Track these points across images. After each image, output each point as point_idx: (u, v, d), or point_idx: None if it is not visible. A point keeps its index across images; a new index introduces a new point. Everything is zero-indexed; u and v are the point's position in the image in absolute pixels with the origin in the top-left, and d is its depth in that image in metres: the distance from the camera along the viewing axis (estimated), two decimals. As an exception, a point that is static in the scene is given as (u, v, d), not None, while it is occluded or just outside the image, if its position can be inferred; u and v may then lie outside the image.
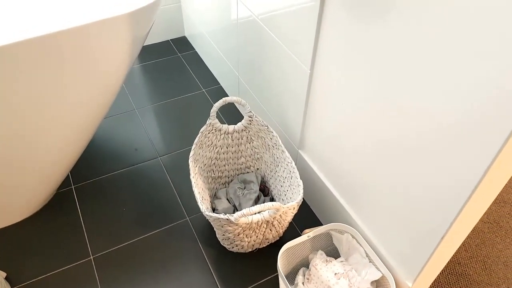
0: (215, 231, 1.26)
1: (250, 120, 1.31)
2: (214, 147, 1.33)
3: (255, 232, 1.14)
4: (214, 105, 1.25)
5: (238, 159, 1.41)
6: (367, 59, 0.89)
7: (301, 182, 1.15)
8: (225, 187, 1.41)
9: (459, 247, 1.04)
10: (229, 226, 1.08)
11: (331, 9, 0.94)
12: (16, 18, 1.38)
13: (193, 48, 2.09)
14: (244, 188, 1.37)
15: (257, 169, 1.43)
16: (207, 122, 1.27)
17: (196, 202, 1.23)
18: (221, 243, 1.26)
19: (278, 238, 1.26)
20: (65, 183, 1.44)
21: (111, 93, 1.22)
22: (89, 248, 1.27)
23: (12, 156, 1.10)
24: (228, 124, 1.34)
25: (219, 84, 1.89)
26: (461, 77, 0.70)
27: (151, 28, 1.21)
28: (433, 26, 0.71)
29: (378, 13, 0.82)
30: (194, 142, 1.25)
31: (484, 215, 1.39)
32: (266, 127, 1.29)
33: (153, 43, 2.08)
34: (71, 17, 1.40)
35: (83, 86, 1.09)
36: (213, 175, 1.38)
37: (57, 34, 0.93)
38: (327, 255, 1.16)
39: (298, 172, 1.19)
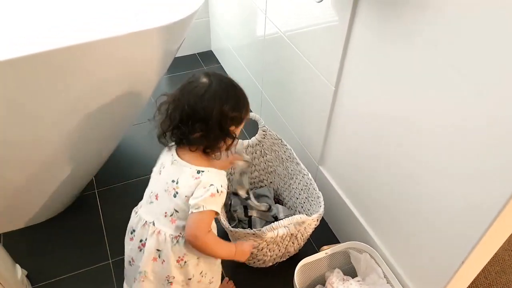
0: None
1: (264, 135, 1.33)
2: None
3: (279, 245, 1.15)
4: None
5: (251, 173, 1.42)
6: (393, 80, 0.91)
7: (320, 194, 1.16)
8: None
9: (479, 273, 1.02)
10: (254, 241, 1.08)
11: (359, 29, 0.96)
12: (50, 26, 1.43)
13: (218, 62, 2.13)
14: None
15: (270, 182, 1.44)
16: None
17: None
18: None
19: (297, 251, 1.26)
20: (89, 186, 1.47)
21: (140, 103, 1.25)
22: (109, 252, 1.30)
23: (39, 158, 1.14)
24: (248, 135, 1.36)
25: (242, 98, 1.91)
26: (487, 97, 0.71)
27: (183, 42, 1.25)
28: (458, 50, 0.73)
29: (405, 36, 0.83)
30: None
31: (505, 242, 1.36)
32: (280, 141, 1.31)
33: (180, 55, 2.13)
34: (108, 26, 1.45)
35: (115, 95, 1.12)
36: (227, 190, 1.39)
37: (91, 44, 0.96)
38: (344, 273, 1.16)
39: (316, 184, 1.20)
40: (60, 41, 0.93)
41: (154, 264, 0.90)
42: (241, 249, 0.96)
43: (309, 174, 1.23)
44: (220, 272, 1.04)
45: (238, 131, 0.92)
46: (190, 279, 0.93)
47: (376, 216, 1.13)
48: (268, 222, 1.29)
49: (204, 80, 0.87)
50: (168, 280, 0.92)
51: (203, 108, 0.84)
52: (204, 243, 0.86)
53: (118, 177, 1.52)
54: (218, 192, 0.86)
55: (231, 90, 0.89)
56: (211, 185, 0.86)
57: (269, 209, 1.34)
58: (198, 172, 0.87)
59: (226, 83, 0.90)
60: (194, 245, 0.87)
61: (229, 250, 0.94)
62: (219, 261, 1.01)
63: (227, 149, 0.92)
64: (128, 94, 1.17)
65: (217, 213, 0.87)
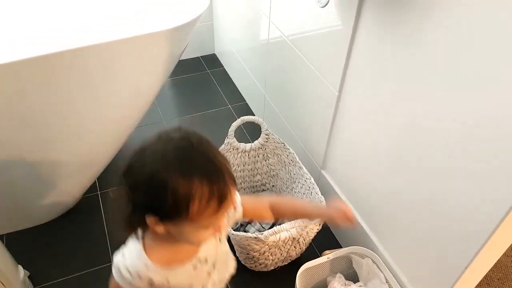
0: (234, 248, 1.27)
1: (267, 138, 1.33)
2: (231, 166, 1.35)
3: (280, 249, 1.15)
4: (232, 124, 1.27)
5: (254, 177, 1.42)
6: (397, 84, 0.91)
7: (323, 198, 1.16)
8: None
9: (481, 280, 1.02)
10: (256, 245, 1.08)
11: (363, 33, 0.96)
12: (50, 26, 1.44)
13: (221, 66, 2.14)
14: None
15: (273, 186, 1.44)
16: (225, 142, 1.29)
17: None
18: (242, 262, 1.26)
19: (299, 255, 1.26)
20: (92, 188, 1.48)
21: (144, 106, 1.26)
22: (110, 254, 1.30)
23: (44, 159, 1.15)
24: (251, 139, 1.37)
25: (245, 101, 1.92)
26: (493, 101, 0.71)
27: (187, 45, 1.25)
28: (463, 54, 0.73)
29: (409, 40, 0.83)
30: None
31: (508, 249, 1.36)
32: (283, 144, 1.31)
33: (184, 59, 2.14)
34: (108, 27, 1.46)
35: (119, 97, 1.12)
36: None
37: (96, 46, 0.97)
38: (346, 278, 1.16)
39: (318, 188, 1.20)
40: (64, 44, 0.93)
41: None
42: None
43: (312, 178, 1.23)
44: None
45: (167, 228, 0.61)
46: None
47: (378, 221, 1.13)
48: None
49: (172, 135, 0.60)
50: None
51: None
52: None
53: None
54: (121, 272, 0.67)
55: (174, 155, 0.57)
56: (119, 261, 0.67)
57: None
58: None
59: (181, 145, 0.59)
60: None
61: None
62: None
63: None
64: (132, 97, 1.17)
65: None
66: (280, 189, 1.42)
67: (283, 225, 1.01)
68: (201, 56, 2.20)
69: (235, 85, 2.02)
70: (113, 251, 1.30)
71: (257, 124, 1.30)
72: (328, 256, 1.14)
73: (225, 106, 1.89)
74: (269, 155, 1.38)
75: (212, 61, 2.18)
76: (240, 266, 1.27)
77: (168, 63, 1.17)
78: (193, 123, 1.79)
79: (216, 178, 0.57)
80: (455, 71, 0.75)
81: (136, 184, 0.59)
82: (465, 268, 0.86)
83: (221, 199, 0.58)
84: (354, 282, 1.14)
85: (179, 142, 0.59)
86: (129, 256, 0.67)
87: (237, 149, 1.32)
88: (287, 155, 1.31)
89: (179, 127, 0.61)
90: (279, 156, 1.35)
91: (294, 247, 1.17)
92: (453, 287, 0.91)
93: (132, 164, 0.60)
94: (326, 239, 1.36)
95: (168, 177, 0.56)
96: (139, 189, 0.58)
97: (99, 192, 1.48)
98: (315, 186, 1.21)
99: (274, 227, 1.02)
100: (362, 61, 0.99)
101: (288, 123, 1.50)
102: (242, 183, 1.42)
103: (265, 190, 1.46)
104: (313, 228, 1.11)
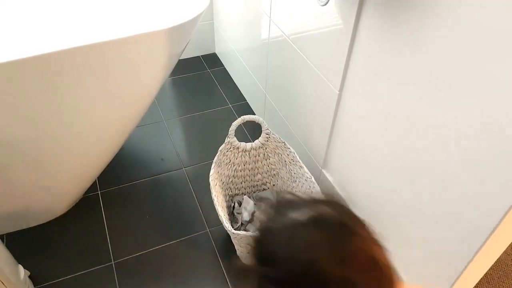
0: (234, 245, 1.27)
1: (267, 137, 1.33)
2: (232, 165, 1.35)
3: (281, 247, 1.15)
4: (233, 124, 1.27)
5: (254, 176, 1.42)
6: (398, 84, 0.91)
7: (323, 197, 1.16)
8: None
9: (481, 278, 1.02)
10: None
11: (364, 32, 0.96)
12: (51, 26, 1.44)
13: (222, 65, 2.14)
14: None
15: (273, 185, 1.44)
16: (226, 141, 1.29)
17: (216, 214, 1.25)
18: (243, 261, 1.26)
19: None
20: (92, 188, 1.48)
21: (144, 105, 1.26)
22: (111, 253, 1.30)
23: (45, 158, 1.15)
24: (251, 138, 1.37)
25: (246, 100, 1.92)
26: (496, 102, 0.71)
27: (187, 44, 1.25)
28: (465, 54, 0.73)
29: (410, 40, 0.84)
30: (214, 161, 1.27)
31: (508, 247, 1.36)
32: (283, 144, 1.31)
33: (184, 58, 2.14)
34: (115, 28, 1.46)
35: (119, 96, 1.12)
36: (230, 192, 1.40)
37: (97, 45, 0.97)
38: (346, 277, 1.16)
39: (319, 187, 1.20)
40: (62, 43, 0.93)
41: None
42: None
43: (312, 177, 1.23)
44: None
45: None
46: None
47: (378, 221, 1.13)
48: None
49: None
50: None
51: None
52: None
53: (121, 179, 1.53)
54: None
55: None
56: None
57: None
58: None
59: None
60: None
61: None
62: None
63: None
64: (132, 96, 1.17)
65: None
66: (281, 189, 1.42)
67: None
68: (201, 55, 2.20)
69: (235, 84, 2.02)
70: (113, 250, 1.31)
71: (257, 123, 1.30)
72: (329, 255, 1.14)
73: (225, 106, 1.89)
74: (269, 155, 1.38)
75: (212, 60, 2.18)
76: (240, 265, 1.27)
77: (168, 62, 1.17)
78: (194, 123, 1.80)
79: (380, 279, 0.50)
80: (456, 71, 0.75)
81: (282, 279, 0.49)
82: (465, 266, 0.86)
83: None
84: (355, 281, 1.14)
85: (336, 229, 0.51)
86: None
87: (238, 148, 1.32)
88: (288, 154, 1.31)
89: (328, 200, 0.53)
90: (280, 155, 1.35)
91: (295, 246, 1.17)
92: (454, 285, 0.91)
93: (276, 253, 0.50)
94: (326, 238, 1.36)
95: (326, 270, 0.48)
96: (287, 284, 0.50)
97: (99, 192, 1.48)
98: (316, 185, 1.21)
99: None
100: (363, 60, 0.99)
101: (288, 122, 1.50)
102: (243, 183, 1.42)
103: (265, 190, 1.46)
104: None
